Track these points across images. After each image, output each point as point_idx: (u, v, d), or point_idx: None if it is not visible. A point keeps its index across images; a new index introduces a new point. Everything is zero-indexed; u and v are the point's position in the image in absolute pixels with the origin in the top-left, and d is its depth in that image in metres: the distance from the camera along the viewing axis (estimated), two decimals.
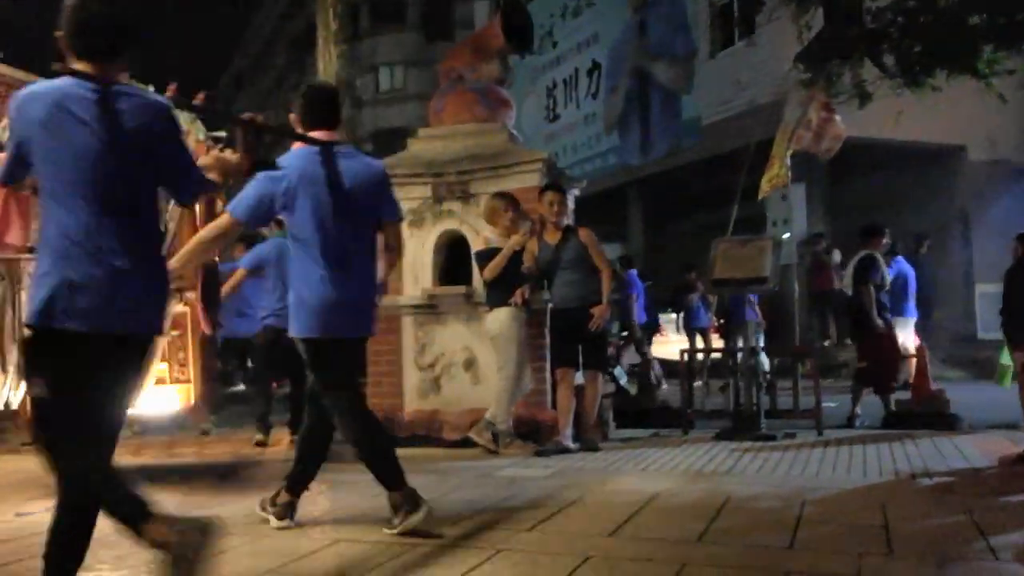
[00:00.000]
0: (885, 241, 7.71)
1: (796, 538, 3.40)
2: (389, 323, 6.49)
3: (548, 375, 6.10)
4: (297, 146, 3.79)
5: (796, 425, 6.49)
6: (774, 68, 11.30)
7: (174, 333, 5.44)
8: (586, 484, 4.58)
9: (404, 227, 6.41)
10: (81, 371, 2.50)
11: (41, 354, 2.52)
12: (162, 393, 5.36)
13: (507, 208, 5.94)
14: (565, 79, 21.84)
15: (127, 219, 2.56)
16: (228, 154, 3.29)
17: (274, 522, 3.76)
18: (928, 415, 6.75)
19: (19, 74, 9.59)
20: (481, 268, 5.96)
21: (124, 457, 6.27)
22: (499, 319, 5.84)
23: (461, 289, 6.30)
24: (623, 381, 7.22)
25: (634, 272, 11.71)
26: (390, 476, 3.65)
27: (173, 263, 3.60)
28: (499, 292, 5.88)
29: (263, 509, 3.86)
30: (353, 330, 3.76)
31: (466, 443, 5.93)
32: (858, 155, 12.24)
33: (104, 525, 3.91)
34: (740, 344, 6.73)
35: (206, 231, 3.85)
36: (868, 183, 15.84)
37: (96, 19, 2.61)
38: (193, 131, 5.12)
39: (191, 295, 5.08)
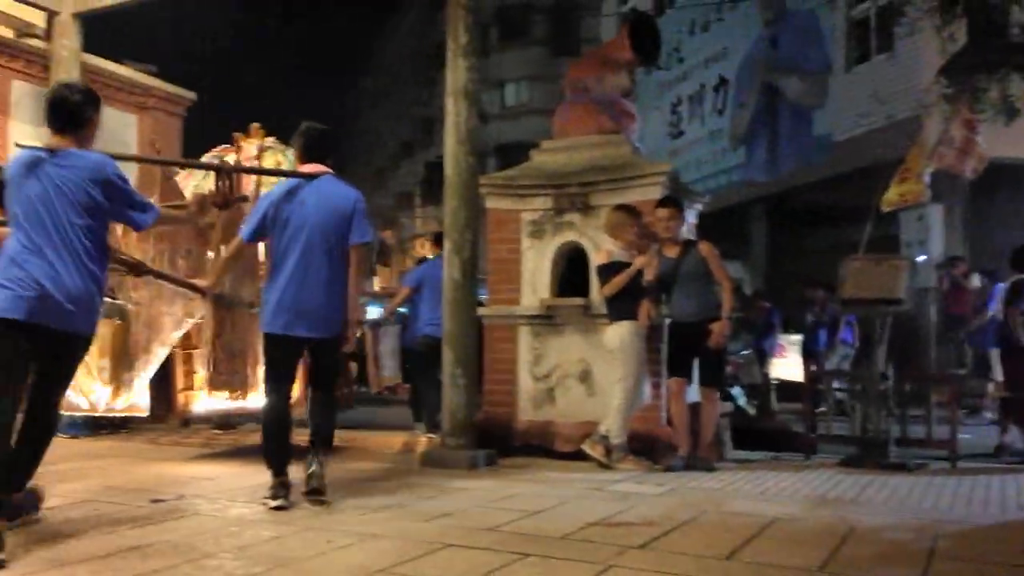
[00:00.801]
0: None
1: (928, 573, 3.20)
2: (506, 332, 6.53)
3: (664, 391, 5.99)
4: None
5: (928, 455, 6.14)
6: (914, 82, 10.81)
7: None
8: (701, 504, 4.46)
9: (524, 237, 6.54)
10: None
11: None
12: None
13: (632, 222, 5.89)
14: (691, 95, 21.56)
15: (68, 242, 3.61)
16: (205, 192, 4.62)
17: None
18: None
19: (177, 89, 10.19)
20: (603, 282, 5.91)
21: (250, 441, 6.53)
22: (620, 333, 5.78)
23: (579, 301, 6.26)
24: (741, 401, 7.01)
25: None
26: (271, 461, 4.45)
27: (210, 279, 5.09)
28: (620, 305, 5.83)
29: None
30: (305, 331, 4.45)
31: (579, 455, 5.88)
32: (1002, 175, 11.56)
33: (223, 515, 4.07)
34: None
35: (226, 251, 5.06)
36: (1012, 205, 14.93)
37: (56, 103, 3.79)
38: (285, 161, 6.19)
39: None
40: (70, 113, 3.76)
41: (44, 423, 3.73)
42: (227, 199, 4.45)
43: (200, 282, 5.20)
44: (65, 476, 5.12)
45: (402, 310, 8.31)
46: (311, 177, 4.55)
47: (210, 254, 6.05)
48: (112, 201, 3.74)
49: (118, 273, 5.38)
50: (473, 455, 5.76)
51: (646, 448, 5.90)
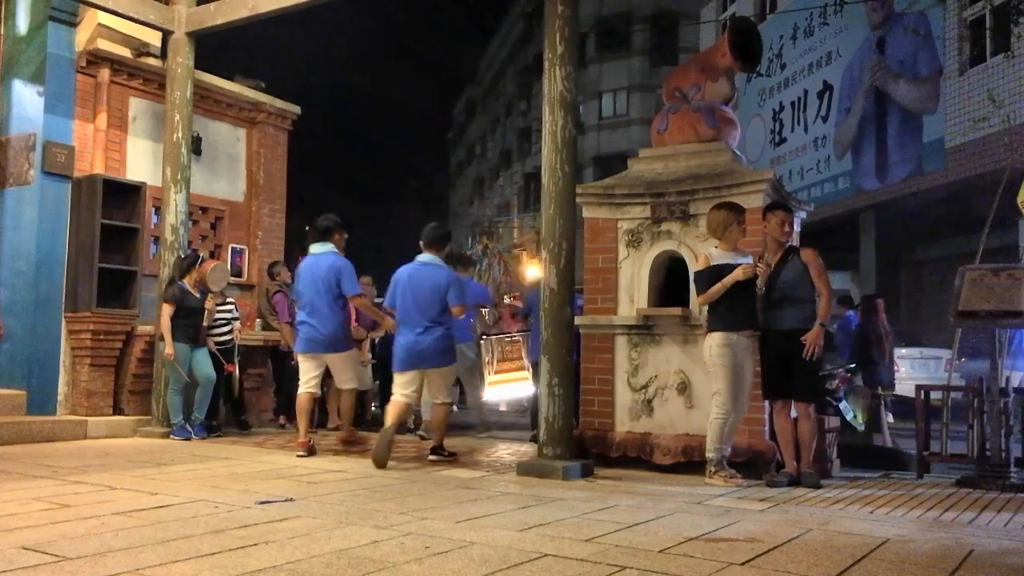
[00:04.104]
0: None
1: None
2: (603, 343, 6.47)
3: (766, 404, 5.81)
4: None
5: None
6: None
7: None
8: (805, 522, 4.30)
9: (621, 247, 6.49)
10: None
11: None
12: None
13: (737, 220, 5.68)
14: (793, 101, 21.03)
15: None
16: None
17: None
18: None
19: (284, 104, 10.51)
20: (699, 290, 5.76)
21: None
22: (709, 344, 5.63)
23: (677, 311, 6.15)
24: (849, 416, 6.74)
25: None
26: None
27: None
28: (712, 315, 5.68)
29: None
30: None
31: (677, 468, 5.76)
32: None
33: (324, 518, 4.11)
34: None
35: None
36: None
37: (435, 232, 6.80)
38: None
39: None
40: (437, 236, 6.76)
41: None
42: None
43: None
44: (179, 476, 5.31)
45: None
46: None
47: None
48: (449, 294, 6.50)
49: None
50: (570, 465, 5.72)
51: (749, 463, 5.75)
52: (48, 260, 8.11)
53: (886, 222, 18.61)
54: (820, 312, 5.57)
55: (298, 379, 8.93)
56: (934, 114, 16.26)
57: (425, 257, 6.64)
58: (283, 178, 10.48)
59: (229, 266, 9.35)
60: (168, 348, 7.64)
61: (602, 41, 34.89)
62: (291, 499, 4.66)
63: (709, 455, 5.58)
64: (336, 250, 6.99)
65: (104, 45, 8.45)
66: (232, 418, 8.42)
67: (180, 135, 8.45)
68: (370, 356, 10.24)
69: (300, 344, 6.96)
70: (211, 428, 8.14)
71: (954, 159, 15.49)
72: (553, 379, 5.92)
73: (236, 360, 8.56)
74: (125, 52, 8.66)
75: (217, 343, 8.29)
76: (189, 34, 8.52)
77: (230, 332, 8.45)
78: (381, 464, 5.99)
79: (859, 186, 18.45)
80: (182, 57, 8.49)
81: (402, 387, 6.47)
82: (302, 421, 6.82)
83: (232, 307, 8.60)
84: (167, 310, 7.75)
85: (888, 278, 18.64)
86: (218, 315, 8.31)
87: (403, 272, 6.64)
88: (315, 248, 7.01)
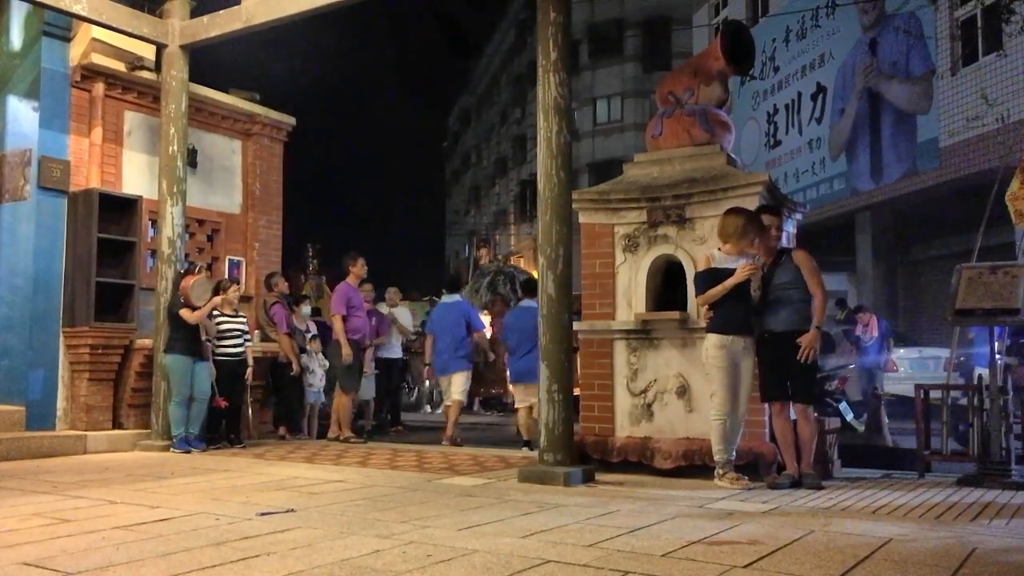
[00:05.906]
0: None
1: None
2: (602, 348, 6.47)
3: (765, 406, 5.81)
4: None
5: None
6: None
7: None
8: (807, 523, 4.30)
9: (618, 252, 6.49)
10: None
11: None
12: None
13: (754, 229, 5.66)
14: (787, 104, 21.10)
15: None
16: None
17: None
18: None
19: (279, 115, 10.49)
20: (697, 292, 5.77)
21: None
22: (706, 345, 5.65)
23: (675, 315, 6.15)
24: (849, 417, 6.75)
25: None
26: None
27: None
28: (711, 318, 5.69)
29: None
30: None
31: (678, 472, 5.74)
32: None
33: (325, 528, 4.08)
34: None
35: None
36: None
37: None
38: None
39: None
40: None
41: None
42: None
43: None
44: (179, 489, 5.29)
45: None
46: None
47: None
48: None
49: None
50: (570, 471, 5.71)
51: (750, 464, 5.74)
52: (45, 275, 8.10)
53: (882, 223, 18.66)
54: (815, 315, 5.57)
55: (297, 390, 9.53)
56: (927, 114, 16.33)
57: (526, 302, 8.83)
58: (279, 189, 10.48)
59: (227, 277, 9.34)
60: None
61: (595, 47, 34.94)
62: (292, 510, 4.65)
63: (717, 458, 5.58)
64: (462, 298, 9.47)
65: (98, 59, 8.45)
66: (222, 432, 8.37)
67: (175, 148, 8.45)
68: (373, 367, 10.21)
69: (438, 367, 9.19)
70: (212, 440, 8.12)
71: (948, 158, 15.54)
72: (552, 385, 5.92)
73: (249, 369, 8.52)
74: (119, 66, 8.66)
75: (227, 355, 8.29)
76: (183, 47, 8.53)
77: (241, 345, 8.44)
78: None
79: (854, 187, 18.50)
80: (176, 70, 8.51)
81: (520, 396, 8.52)
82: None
83: (243, 320, 8.59)
84: (186, 313, 7.89)
85: (885, 278, 18.67)
86: (230, 325, 8.33)
87: (512, 315, 9.08)
88: (446, 298, 9.52)
